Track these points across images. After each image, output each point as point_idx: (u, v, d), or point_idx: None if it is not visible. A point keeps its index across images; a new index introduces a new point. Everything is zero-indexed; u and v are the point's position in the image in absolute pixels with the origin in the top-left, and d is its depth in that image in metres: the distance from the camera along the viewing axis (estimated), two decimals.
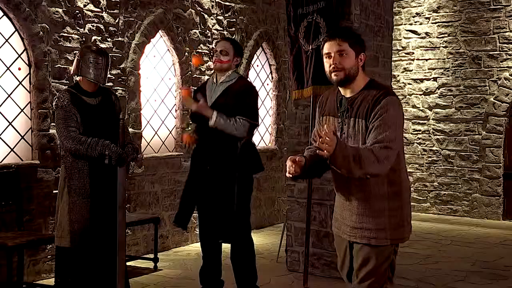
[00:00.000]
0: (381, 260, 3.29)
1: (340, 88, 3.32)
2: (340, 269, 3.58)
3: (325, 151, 2.96)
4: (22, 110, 5.78)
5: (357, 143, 3.19)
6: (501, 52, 9.23)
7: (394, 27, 8.62)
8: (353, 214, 3.28)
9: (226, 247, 5.15)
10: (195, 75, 7.42)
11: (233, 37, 7.91)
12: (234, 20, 8.01)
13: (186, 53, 7.33)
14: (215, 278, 5.06)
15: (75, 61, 4.69)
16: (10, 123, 5.70)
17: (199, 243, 5.17)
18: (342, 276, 3.59)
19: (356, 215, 3.27)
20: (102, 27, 6.36)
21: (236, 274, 5.02)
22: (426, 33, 9.87)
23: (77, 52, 4.90)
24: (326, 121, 3.34)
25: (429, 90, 9.84)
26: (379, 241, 3.24)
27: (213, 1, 7.69)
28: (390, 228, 3.24)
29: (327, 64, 3.28)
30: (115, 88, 6.44)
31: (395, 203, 3.26)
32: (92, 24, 6.26)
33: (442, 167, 9.73)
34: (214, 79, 4.97)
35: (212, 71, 5.21)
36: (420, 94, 9.92)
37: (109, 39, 6.43)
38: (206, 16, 7.60)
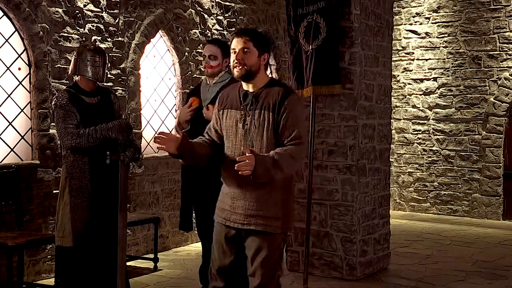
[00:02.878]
0: (273, 248, 3.47)
1: (243, 84, 3.56)
2: (215, 262, 3.62)
3: (246, 172, 3.22)
4: (22, 110, 5.78)
5: (260, 132, 3.43)
6: (501, 52, 9.23)
7: (394, 27, 8.61)
8: (248, 203, 3.45)
9: None
10: (195, 75, 7.42)
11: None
12: (234, 20, 8.01)
13: (186, 53, 7.33)
14: None
15: (72, 60, 4.71)
16: (10, 123, 5.70)
17: (200, 242, 5.17)
18: (213, 270, 3.65)
19: (252, 203, 3.44)
20: (102, 27, 6.36)
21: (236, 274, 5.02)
22: (426, 33, 9.87)
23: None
24: (226, 114, 3.53)
25: (429, 90, 9.84)
26: (273, 228, 3.45)
27: (213, 1, 7.69)
28: (282, 218, 3.50)
29: (232, 58, 3.52)
30: (115, 88, 6.44)
31: (286, 195, 3.55)
32: (92, 24, 6.26)
33: (442, 167, 9.73)
34: (208, 81, 4.98)
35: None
36: (420, 94, 9.92)
37: (109, 39, 6.43)
38: (206, 16, 7.60)
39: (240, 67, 3.46)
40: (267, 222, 3.44)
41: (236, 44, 3.49)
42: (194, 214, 5.10)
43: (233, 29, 7.98)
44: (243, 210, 3.46)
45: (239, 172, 3.22)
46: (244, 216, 3.46)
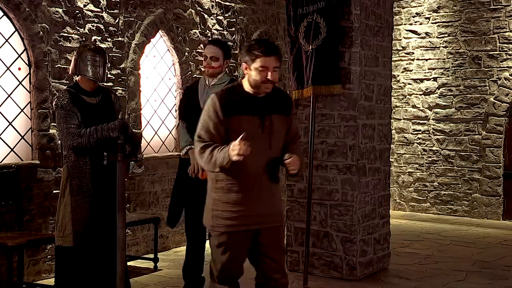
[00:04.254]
0: (283, 240, 3.87)
1: (248, 89, 3.60)
2: (236, 269, 3.72)
3: (295, 171, 3.59)
4: (22, 110, 5.78)
5: (280, 134, 3.65)
6: (501, 52, 9.23)
7: (394, 27, 8.61)
8: (263, 203, 3.63)
9: None
10: (195, 75, 7.42)
11: (233, 37, 7.92)
12: (234, 20, 8.01)
13: (186, 53, 7.33)
14: (197, 275, 5.14)
15: (72, 60, 4.72)
16: (10, 123, 5.70)
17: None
18: (225, 277, 3.70)
19: (267, 203, 3.65)
20: (102, 27, 6.36)
21: None
22: (426, 33, 9.87)
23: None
24: (239, 121, 3.52)
25: (429, 90, 9.84)
26: (282, 221, 3.82)
27: (213, 1, 7.69)
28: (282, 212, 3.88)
29: (259, 75, 3.52)
30: (115, 88, 6.44)
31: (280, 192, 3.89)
32: (92, 24, 6.26)
33: (442, 167, 9.73)
34: (206, 81, 4.99)
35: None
36: (420, 94, 9.92)
37: (109, 39, 6.43)
38: (206, 16, 7.60)
39: (270, 86, 3.56)
40: (280, 217, 3.78)
41: (268, 63, 3.51)
42: (184, 214, 5.15)
43: (233, 29, 7.98)
44: (261, 210, 3.62)
45: (291, 171, 3.59)
46: (262, 216, 3.63)
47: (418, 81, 9.95)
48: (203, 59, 5.03)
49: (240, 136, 3.30)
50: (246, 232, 3.62)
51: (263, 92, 3.59)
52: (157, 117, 7.21)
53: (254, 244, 3.68)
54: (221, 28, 7.81)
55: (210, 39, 7.40)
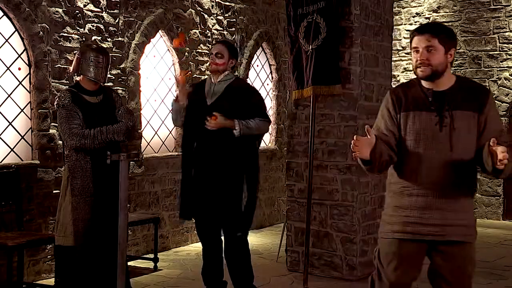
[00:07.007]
0: (473, 262, 3.33)
1: (425, 83, 3.27)
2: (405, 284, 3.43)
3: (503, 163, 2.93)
4: (22, 110, 5.78)
5: (464, 133, 3.18)
6: (501, 52, 9.23)
7: (394, 27, 8.61)
8: (444, 213, 3.22)
9: None
10: (195, 75, 7.42)
11: (233, 37, 7.92)
12: (234, 20, 8.01)
13: (186, 53, 7.33)
14: (218, 279, 5.05)
15: (75, 59, 4.71)
16: (10, 123, 5.70)
17: (199, 242, 5.16)
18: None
19: (450, 214, 3.22)
20: (102, 27, 6.36)
21: (231, 273, 4.99)
22: None
23: (77, 51, 4.91)
24: (413, 117, 3.23)
25: None
26: (472, 238, 3.27)
27: (213, 1, 7.69)
28: (473, 225, 3.30)
29: (413, 58, 3.25)
30: (115, 88, 6.44)
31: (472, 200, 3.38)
32: (92, 24, 6.26)
33: None
34: (212, 79, 5.02)
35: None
36: None
37: (109, 39, 6.43)
38: (206, 16, 7.60)
39: (424, 68, 3.17)
40: (468, 230, 3.26)
41: (418, 42, 3.20)
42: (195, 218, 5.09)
43: (233, 29, 7.98)
44: (439, 220, 3.22)
45: (499, 163, 2.93)
46: (440, 226, 3.22)
47: None
48: (208, 57, 5.06)
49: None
50: (419, 242, 3.28)
51: (421, 78, 3.22)
52: (157, 117, 7.21)
53: (431, 262, 3.34)
54: (221, 28, 7.81)
55: (218, 39, 7.43)
